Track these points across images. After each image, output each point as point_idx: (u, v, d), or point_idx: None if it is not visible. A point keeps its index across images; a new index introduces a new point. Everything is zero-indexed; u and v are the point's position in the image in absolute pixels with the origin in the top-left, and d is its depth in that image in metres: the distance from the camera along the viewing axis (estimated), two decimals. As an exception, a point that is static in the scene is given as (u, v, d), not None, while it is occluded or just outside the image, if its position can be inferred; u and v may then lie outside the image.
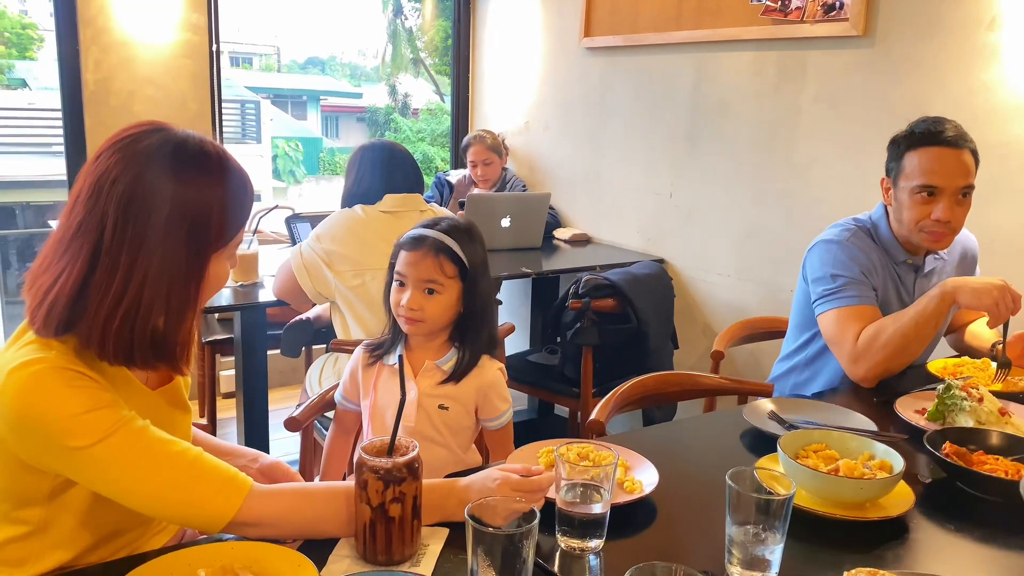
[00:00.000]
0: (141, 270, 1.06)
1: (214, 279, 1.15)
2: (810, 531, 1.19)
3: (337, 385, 1.70)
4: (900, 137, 1.97)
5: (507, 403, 1.63)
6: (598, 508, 1.11)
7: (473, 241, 1.55)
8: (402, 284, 1.51)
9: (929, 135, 1.89)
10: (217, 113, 3.73)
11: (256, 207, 3.57)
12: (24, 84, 14.12)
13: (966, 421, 1.55)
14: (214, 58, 3.66)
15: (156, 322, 1.08)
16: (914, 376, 1.90)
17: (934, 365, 1.94)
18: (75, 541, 1.14)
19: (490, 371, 1.59)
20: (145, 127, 1.11)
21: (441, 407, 1.56)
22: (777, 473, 1.13)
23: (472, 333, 1.56)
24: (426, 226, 1.53)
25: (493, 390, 1.59)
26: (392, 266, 1.55)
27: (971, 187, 1.89)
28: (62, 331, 1.06)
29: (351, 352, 2.18)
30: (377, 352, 1.59)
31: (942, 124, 1.90)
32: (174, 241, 1.07)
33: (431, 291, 1.50)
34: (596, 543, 1.12)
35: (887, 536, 1.20)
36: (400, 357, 1.32)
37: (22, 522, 1.12)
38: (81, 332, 1.06)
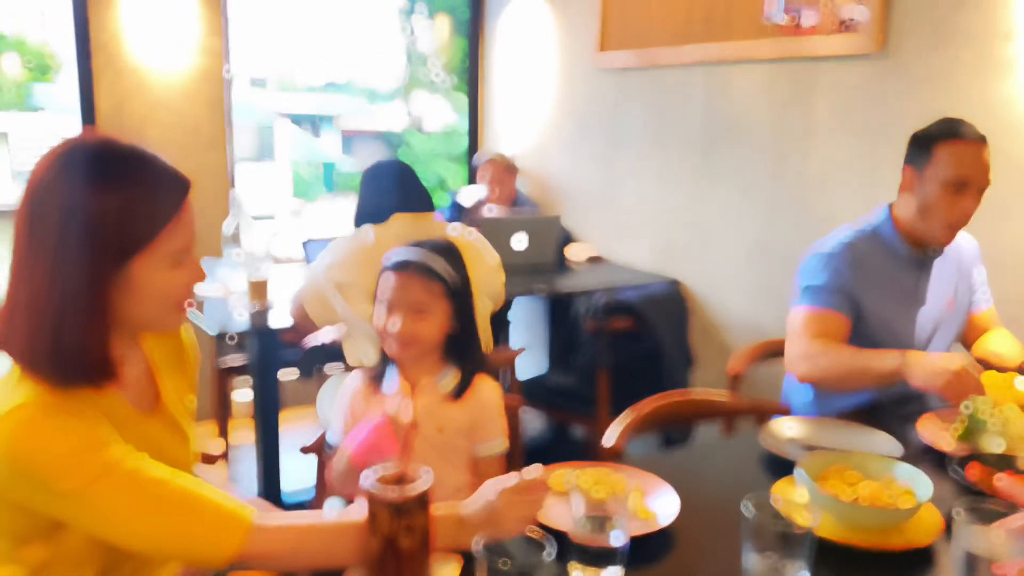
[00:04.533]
0: (46, 281, 1.02)
1: (149, 288, 1.07)
2: (834, 561, 1.15)
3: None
4: (928, 131, 1.98)
5: (502, 432, 1.58)
6: (614, 540, 1.08)
7: (457, 259, 1.54)
8: (388, 308, 1.50)
9: (960, 131, 1.93)
10: (231, 137, 3.75)
11: (269, 229, 3.58)
12: (42, 109, 14.32)
13: (994, 443, 1.51)
14: (228, 82, 3.68)
15: (73, 335, 1.03)
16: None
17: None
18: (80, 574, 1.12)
19: (487, 391, 1.57)
20: (74, 137, 1.08)
21: (439, 428, 1.52)
22: (797, 501, 1.09)
23: (466, 350, 1.55)
24: (410, 248, 1.52)
25: (488, 411, 1.56)
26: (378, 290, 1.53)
27: (989, 184, 1.94)
28: (12, 353, 1.05)
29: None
30: (376, 379, 1.57)
31: (966, 123, 1.95)
32: (72, 249, 1.02)
33: (420, 313, 1.48)
34: (612, 575, 1.09)
35: (915, 566, 1.16)
36: (397, 382, 1.29)
37: (22, 562, 1.09)
38: (16, 354, 1.04)
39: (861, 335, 2.00)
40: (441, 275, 1.50)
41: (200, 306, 2.64)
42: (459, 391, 1.53)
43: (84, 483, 0.99)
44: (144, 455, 1.06)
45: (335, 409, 1.61)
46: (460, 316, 1.53)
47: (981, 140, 1.93)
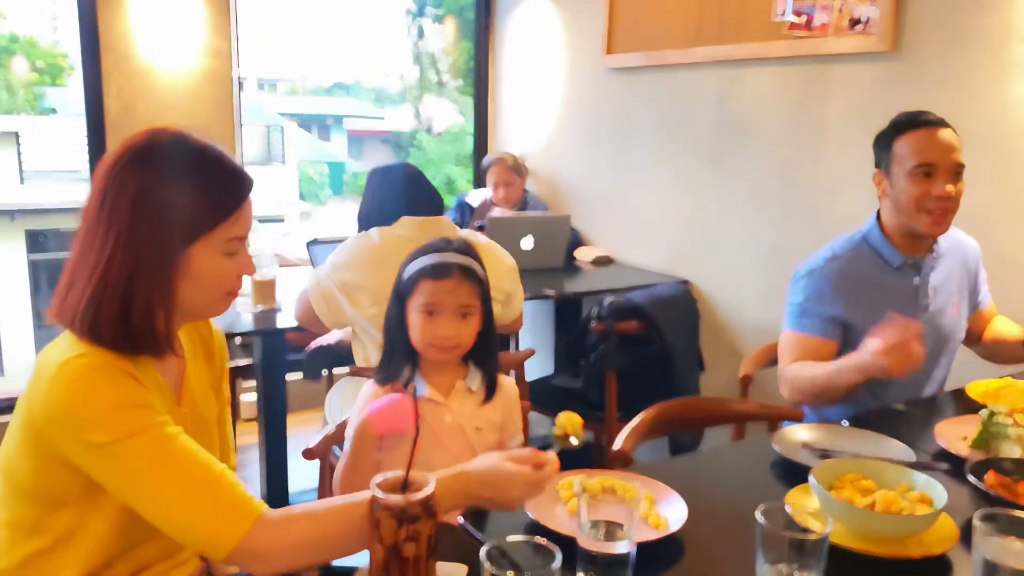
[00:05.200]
0: (111, 254, 1.09)
1: (203, 273, 1.15)
2: (848, 571, 1.12)
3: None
4: (885, 130, 2.00)
5: (521, 427, 1.61)
6: (623, 547, 1.06)
7: (480, 258, 1.54)
8: (431, 314, 1.47)
9: (913, 120, 1.95)
10: (239, 138, 3.75)
11: (276, 231, 3.57)
12: (54, 111, 14.41)
13: (1012, 450, 1.48)
14: (236, 83, 3.68)
15: (128, 305, 1.10)
16: (955, 400, 1.83)
17: (974, 389, 1.86)
18: (97, 553, 1.13)
19: (510, 388, 1.58)
20: (151, 129, 1.16)
21: (477, 428, 1.53)
22: (811, 509, 1.07)
23: (491, 349, 1.55)
24: (439, 250, 1.49)
25: (513, 408, 1.59)
26: (401, 296, 1.50)
27: (963, 166, 1.92)
28: (59, 317, 1.11)
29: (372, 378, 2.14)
30: (395, 387, 1.54)
31: (923, 112, 1.96)
32: (141, 229, 1.10)
33: (466, 316, 1.47)
34: (621, 583, 1.06)
35: (930, 575, 1.13)
36: (414, 389, 1.27)
37: (48, 531, 1.12)
38: (64, 311, 1.11)
39: (858, 345, 1.98)
40: (480, 276, 1.49)
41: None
42: (489, 391, 1.54)
43: (118, 438, 1.04)
44: (181, 428, 1.10)
45: (350, 418, 1.59)
46: (487, 314, 1.52)
47: (938, 123, 1.93)
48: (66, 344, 1.10)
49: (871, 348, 1.71)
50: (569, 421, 1.32)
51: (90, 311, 1.09)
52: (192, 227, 1.12)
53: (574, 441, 1.27)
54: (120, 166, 1.11)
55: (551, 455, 1.23)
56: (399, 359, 1.52)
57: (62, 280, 1.13)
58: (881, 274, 2.01)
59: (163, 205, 1.10)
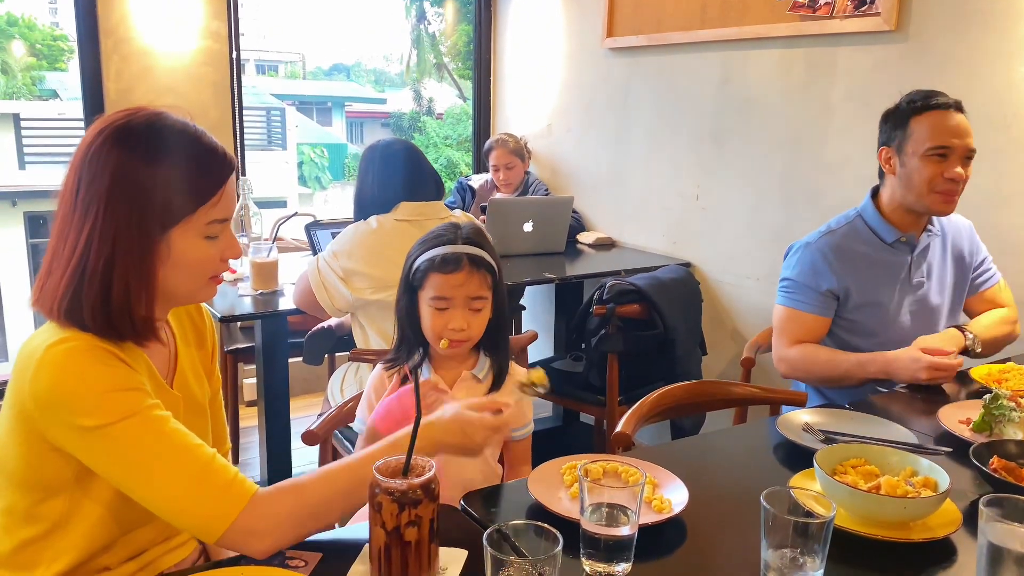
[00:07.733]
0: (88, 238, 1.06)
1: (184, 258, 1.12)
2: (851, 554, 1.12)
3: (355, 399, 1.65)
4: (898, 108, 2.01)
5: (530, 416, 1.59)
6: (625, 530, 1.05)
7: (490, 243, 1.51)
8: (442, 307, 1.45)
9: (931, 102, 1.96)
10: (238, 121, 3.73)
11: (276, 214, 3.56)
12: (55, 95, 14.34)
13: (1015, 433, 1.47)
14: (235, 66, 3.65)
15: (107, 291, 1.07)
16: (958, 383, 1.83)
17: (978, 372, 1.86)
18: (92, 539, 1.13)
19: (519, 378, 1.55)
20: (128, 109, 1.12)
21: None
22: (814, 493, 1.06)
23: (502, 338, 1.53)
24: (448, 241, 1.46)
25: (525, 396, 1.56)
26: (411, 288, 1.48)
27: (974, 151, 1.95)
28: (40, 304, 1.09)
29: (372, 361, 2.14)
30: (402, 372, 1.53)
31: (938, 93, 1.97)
32: (118, 213, 1.06)
33: (478, 309, 1.46)
34: (624, 567, 1.06)
35: (934, 558, 1.13)
36: (415, 374, 1.26)
37: (42, 519, 1.11)
38: (43, 298, 1.09)
39: (849, 319, 2.04)
40: (490, 265, 1.46)
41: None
42: (497, 380, 1.52)
43: (110, 420, 1.02)
44: (170, 412, 1.10)
45: (360, 406, 1.58)
46: (498, 302, 1.50)
47: (955, 107, 1.95)
48: (49, 331, 1.08)
49: (914, 359, 1.81)
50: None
51: (67, 297, 1.06)
52: (171, 211, 1.09)
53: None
54: (95, 148, 1.07)
55: (507, 400, 1.28)
56: (410, 346, 1.51)
57: (42, 267, 1.11)
58: (874, 250, 2.04)
59: (141, 188, 1.06)
